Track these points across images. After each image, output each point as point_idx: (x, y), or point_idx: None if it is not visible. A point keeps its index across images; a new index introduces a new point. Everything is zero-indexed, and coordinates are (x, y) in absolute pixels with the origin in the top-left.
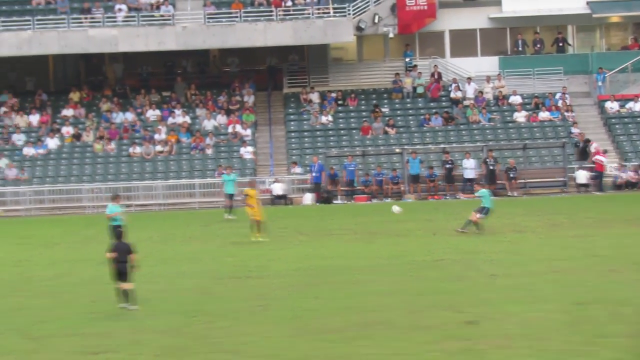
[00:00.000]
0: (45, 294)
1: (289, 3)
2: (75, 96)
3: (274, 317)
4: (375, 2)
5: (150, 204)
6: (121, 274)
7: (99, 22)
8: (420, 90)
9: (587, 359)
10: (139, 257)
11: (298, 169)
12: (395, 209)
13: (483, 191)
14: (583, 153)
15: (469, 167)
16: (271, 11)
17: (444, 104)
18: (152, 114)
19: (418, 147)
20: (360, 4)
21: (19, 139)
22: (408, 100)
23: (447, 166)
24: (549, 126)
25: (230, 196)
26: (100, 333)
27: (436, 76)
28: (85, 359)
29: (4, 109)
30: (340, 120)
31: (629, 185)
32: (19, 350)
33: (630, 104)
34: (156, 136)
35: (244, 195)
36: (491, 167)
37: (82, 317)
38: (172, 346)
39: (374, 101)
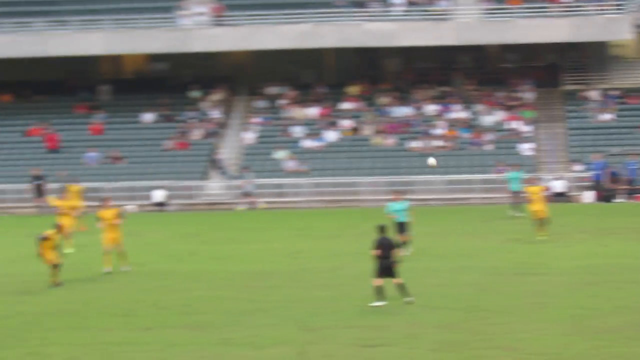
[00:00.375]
0: (322, 286)
1: None
2: (353, 90)
3: (552, 314)
4: None
5: (429, 199)
6: (386, 270)
7: (376, 16)
8: None
9: None
10: (400, 252)
11: (578, 167)
12: (431, 160)
13: None
14: None
15: None
16: (549, 7)
17: None
18: (431, 108)
19: None
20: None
21: (297, 131)
22: None
23: None
24: None
25: (516, 193)
26: (376, 326)
27: None
28: (361, 352)
29: (283, 101)
30: (622, 119)
31: None
32: (297, 341)
33: None
34: (434, 131)
35: (527, 192)
36: None
37: (358, 310)
38: (447, 341)
39: None
